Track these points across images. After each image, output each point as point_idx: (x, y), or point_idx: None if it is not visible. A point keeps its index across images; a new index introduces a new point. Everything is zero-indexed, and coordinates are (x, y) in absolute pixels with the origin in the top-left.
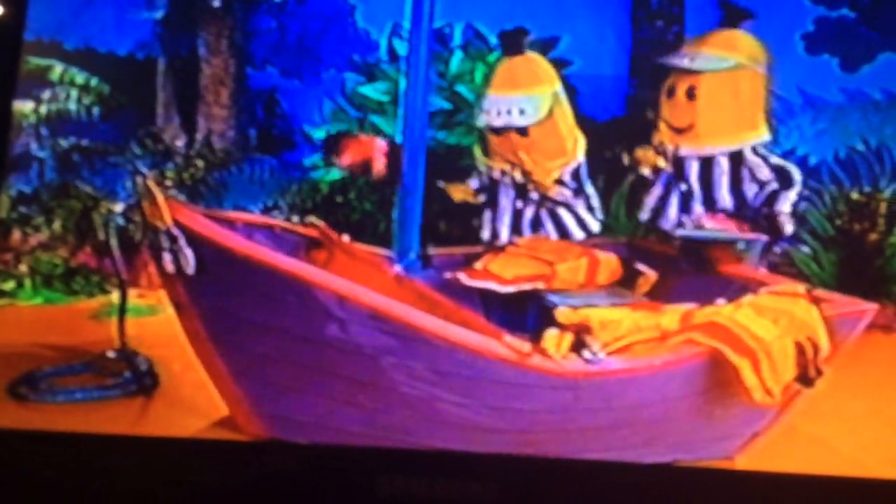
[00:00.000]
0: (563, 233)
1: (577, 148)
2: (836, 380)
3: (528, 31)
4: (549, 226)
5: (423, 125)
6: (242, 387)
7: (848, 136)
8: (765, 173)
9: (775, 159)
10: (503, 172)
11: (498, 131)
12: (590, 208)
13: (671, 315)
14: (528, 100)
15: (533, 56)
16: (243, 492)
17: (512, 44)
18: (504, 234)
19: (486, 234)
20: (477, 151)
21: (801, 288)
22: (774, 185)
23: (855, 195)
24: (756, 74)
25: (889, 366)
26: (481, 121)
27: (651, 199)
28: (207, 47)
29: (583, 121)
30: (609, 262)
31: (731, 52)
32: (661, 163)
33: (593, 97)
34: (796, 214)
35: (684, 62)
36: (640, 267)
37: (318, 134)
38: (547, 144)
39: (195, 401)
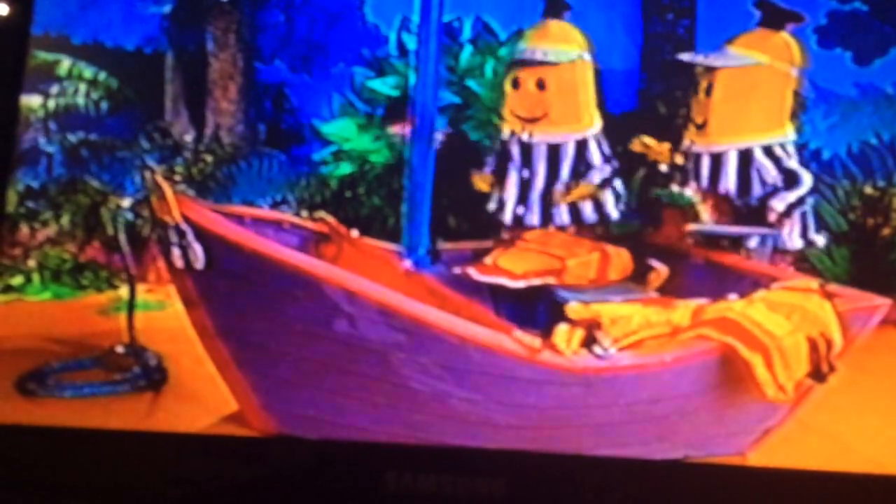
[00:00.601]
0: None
1: (592, 125)
2: (849, 375)
3: (570, 6)
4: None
5: (433, 119)
6: (251, 382)
7: (861, 131)
8: (773, 174)
9: (790, 163)
10: (512, 133)
11: (516, 84)
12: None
13: (682, 310)
14: (555, 51)
15: (567, 23)
16: (252, 487)
17: (554, 6)
18: (509, 206)
19: (491, 206)
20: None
21: (813, 283)
22: (778, 184)
23: (868, 189)
24: (783, 75)
25: None
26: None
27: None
28: (215, 42)
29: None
30: (620, 257)
31: (754, 51)
32: (665, 152)
33: (604, 92)
34: (791, 214)
35: (699, 58)
36: (652, 262)
37: (327, 128)
38: (563, 105)
39: (204, 396)
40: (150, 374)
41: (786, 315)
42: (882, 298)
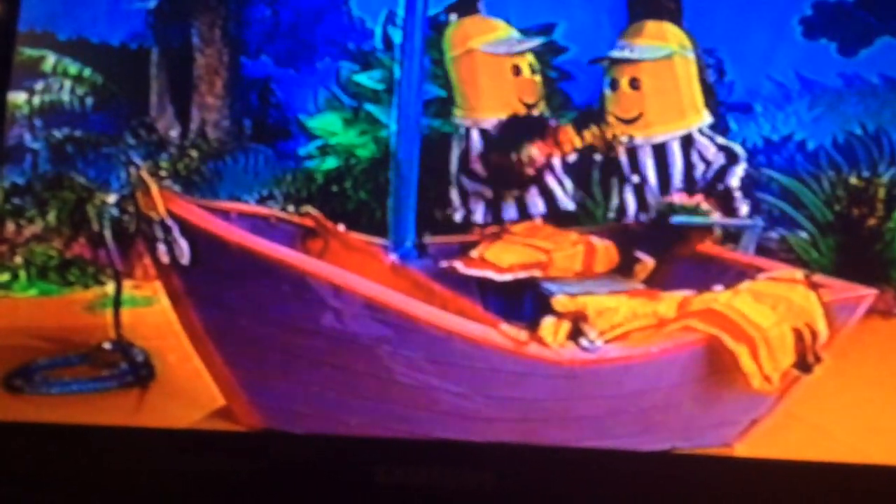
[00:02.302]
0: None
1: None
2: (835, 366)
3: None
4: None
5: (418, 113)
6: (239, 377)
7: (846, 121)
8: (712, 152)
9: (720, 139)
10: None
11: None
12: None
13: (668, 302)
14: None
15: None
16: (241, 483)
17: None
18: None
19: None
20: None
21: (799, 274)
22: (721, 162)
23: (853, 180)
24: (687, 60)
25: (888, 351)
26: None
27: (613, 201)
28: (201, 37)
29: (577, 108)
30: (606, 250)
31: (664, 42)
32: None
33: (588, 84)
34: (748, 193)
35: (626, 53)
36: (639, 254)
37: (313, 123)
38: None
39: (192, 392)
40: (137, 370)
41: (771, 306)
42: (867, 289)
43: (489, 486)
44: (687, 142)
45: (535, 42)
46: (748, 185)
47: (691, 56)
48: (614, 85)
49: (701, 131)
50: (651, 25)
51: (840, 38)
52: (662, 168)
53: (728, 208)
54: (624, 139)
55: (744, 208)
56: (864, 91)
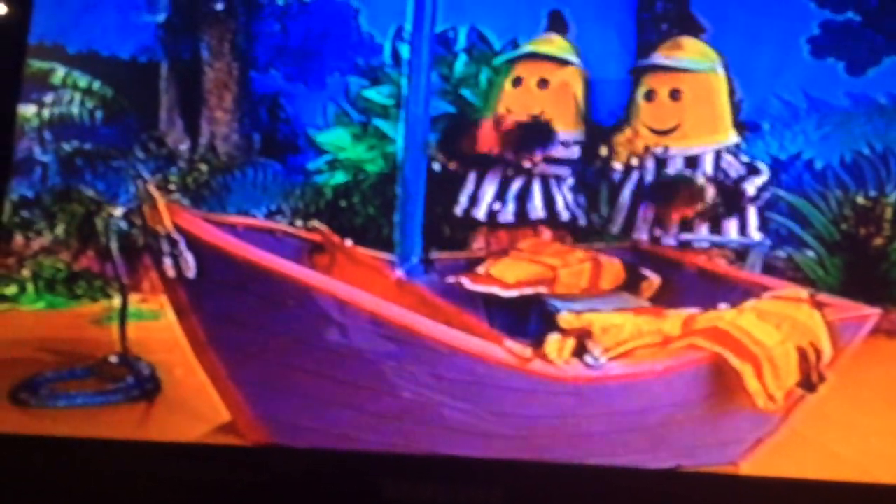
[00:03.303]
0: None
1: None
2: (840, 385)
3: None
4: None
5: (425, 129)
6: (244, 392)
7: (853, 141)
8: (736, 168)
9: (745, 158)
10: None
11: (517, 82)
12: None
13: (673, 320)
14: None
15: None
16: (246, 497)
17: (557, 23)
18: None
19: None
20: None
21: (803, 293)
22: (742, 172)
23: (860, 199)
24: (720, 77)
25: (893, 370)
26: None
27: (621, 213)
28: (210, 51)
29: (587, 124)
30: (613, 267)
31: (704, 57)
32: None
33: (598, 101)
34: (762, 203)
35: (669, 62)
36: (645, 272)
37: (322, 138)
38: (559, 104)
39: (197, 406)
40: (143, 384)
41: (776, 325)
42: (871, 308)
43: (497, 501)
44: (718, 156)
45: (508, 55)
46: (762, 205)
47: (722, 73)
48: (650, 95)
49: (729, 149)
50: (688, 41)
51: (848, 58)
52: None
53: (732, 205)
54: (658, 150)
55: (754, 229)
56: (872, 110)
